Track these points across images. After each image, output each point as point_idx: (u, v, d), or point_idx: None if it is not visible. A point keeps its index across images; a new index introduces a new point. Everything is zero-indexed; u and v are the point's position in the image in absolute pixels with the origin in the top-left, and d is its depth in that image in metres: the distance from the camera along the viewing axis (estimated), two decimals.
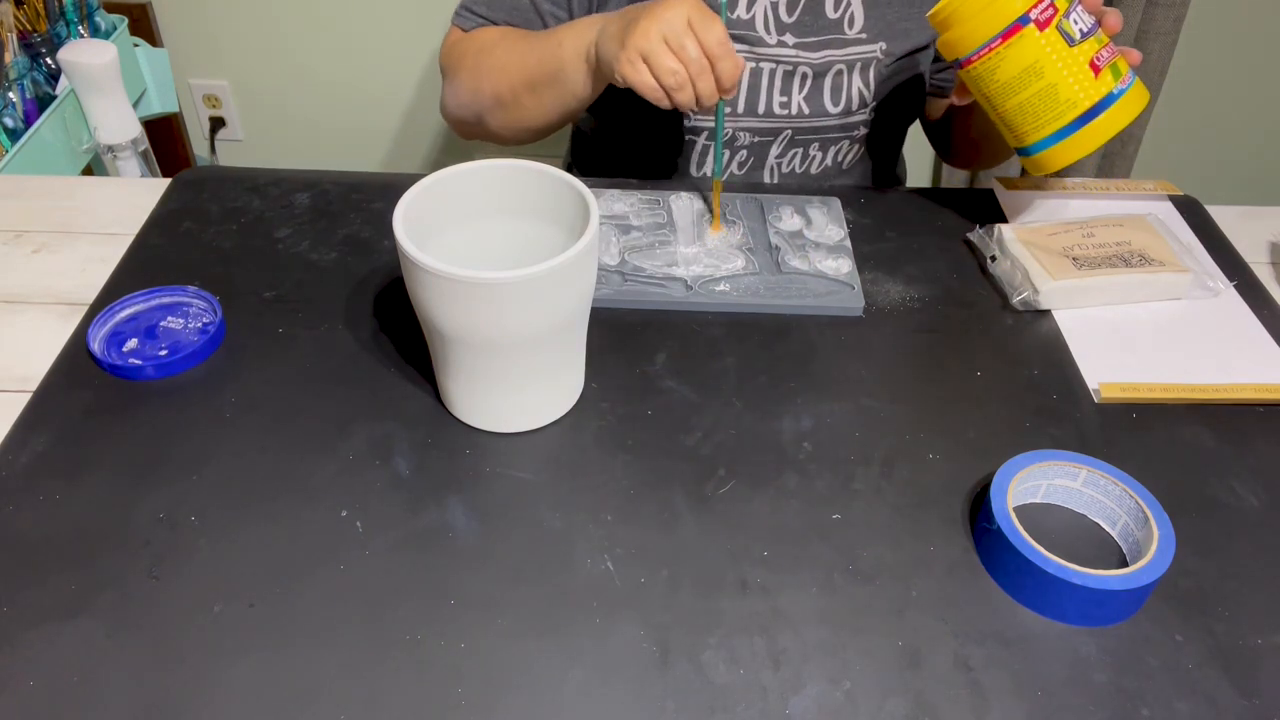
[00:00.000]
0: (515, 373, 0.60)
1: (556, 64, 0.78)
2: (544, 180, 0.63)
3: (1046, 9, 0.69)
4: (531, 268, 0.54)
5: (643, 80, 0.69)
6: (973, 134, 0.92)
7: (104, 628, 0.52)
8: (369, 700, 0.49)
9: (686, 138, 0.90)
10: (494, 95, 0.84)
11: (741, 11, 0.84)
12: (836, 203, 0.83)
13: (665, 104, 0.70)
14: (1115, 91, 0.71)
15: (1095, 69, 0.70)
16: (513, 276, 0.53)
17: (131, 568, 0.55)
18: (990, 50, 0.71)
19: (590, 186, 0.84)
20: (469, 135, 0.91)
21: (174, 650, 0.51)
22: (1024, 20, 0.69)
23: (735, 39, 0.85)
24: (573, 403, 0.65)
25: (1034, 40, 0.70)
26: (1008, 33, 0.70)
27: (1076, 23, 0.70)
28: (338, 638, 0.52)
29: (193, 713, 0.48)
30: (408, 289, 0.59)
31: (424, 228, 0.60)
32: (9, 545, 0.56)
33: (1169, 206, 0.87)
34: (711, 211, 0.81)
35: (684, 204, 0.82)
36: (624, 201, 0.82)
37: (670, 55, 0.68)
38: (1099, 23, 0.71)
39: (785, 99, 0.87)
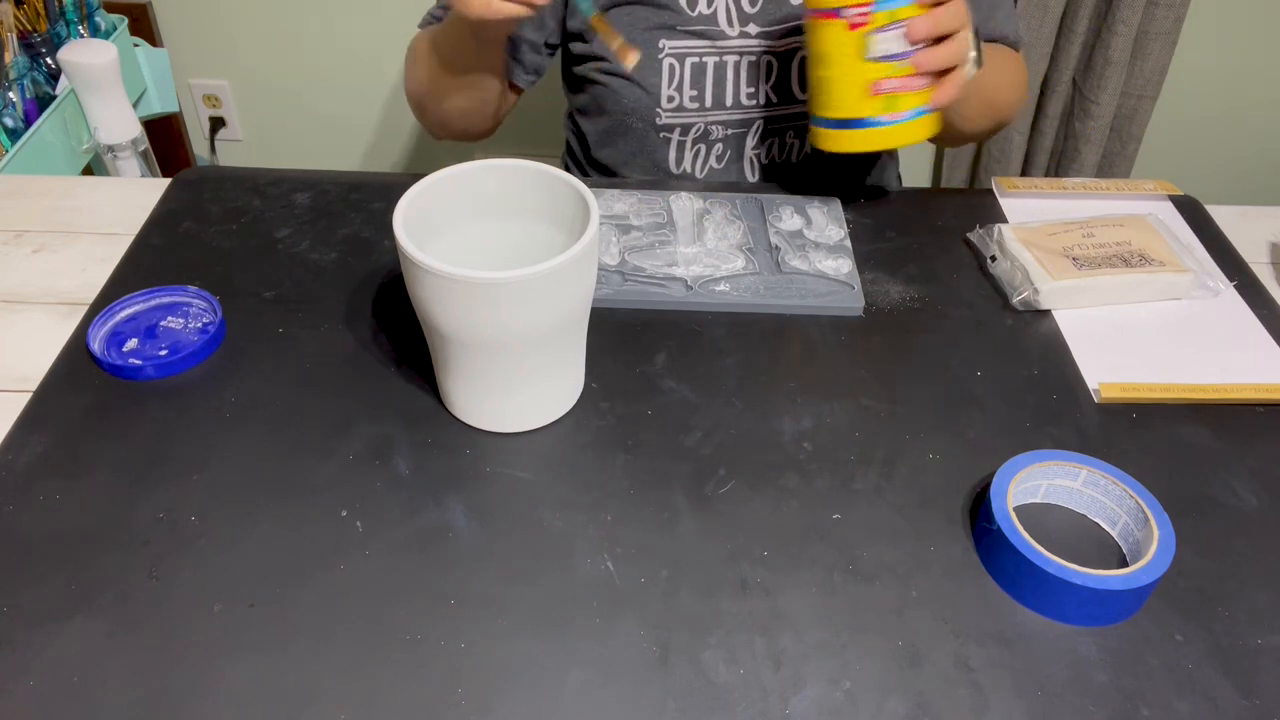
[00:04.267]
0: (516, 373, 0.60)
1: (448, 30, 0.82)
2: (543, 180, 0.63)
3: (861, 15, 0.69)
4: (532, 268, 0.54)
5: (471, 6, 0.70)
6: None
7: (104, 628, 0.52)
8: (369, 700, 0.49)
9: (661, 135, 0.91)
10: (417, 83, 0.89)
11: (703, 7, 0.85)
12: (837, 203, 0.83)
13: (505, 12, 0.69)
14: (875, 120, 0.73)
15: (873, 91, 0.71)
16: (513, 276, 0.53)
17: (131, 568, 0.55)
18: (810, 18, 0.73)
19: (590, 187, 0.84)
20: (433, 131, 0.95)
21: (174, 650, 0.51)
22: (837, 12, 0.70)
23: (697, 34, 0.86)
24: (573, 403, 0.65)
25: (837, 34, 0.71)
26: (824, 13, 0.71)
27: (883, 43, 0.70)
28: (338, 638, 0.52)
29: (193, 713, 0.49)
30: (408, 289, 0.59)
31: (424, 228, 0.60)
32: (9, 545, 0.56)
33: (1169, 206, 0.87)
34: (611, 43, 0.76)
35: (684, 204, 0.82)
36: (624, 201, 0.82)
37: None
38: (913, 53, 0.70)
39: (753, 89, 0.88)
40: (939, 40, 0.71)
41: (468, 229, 0.65)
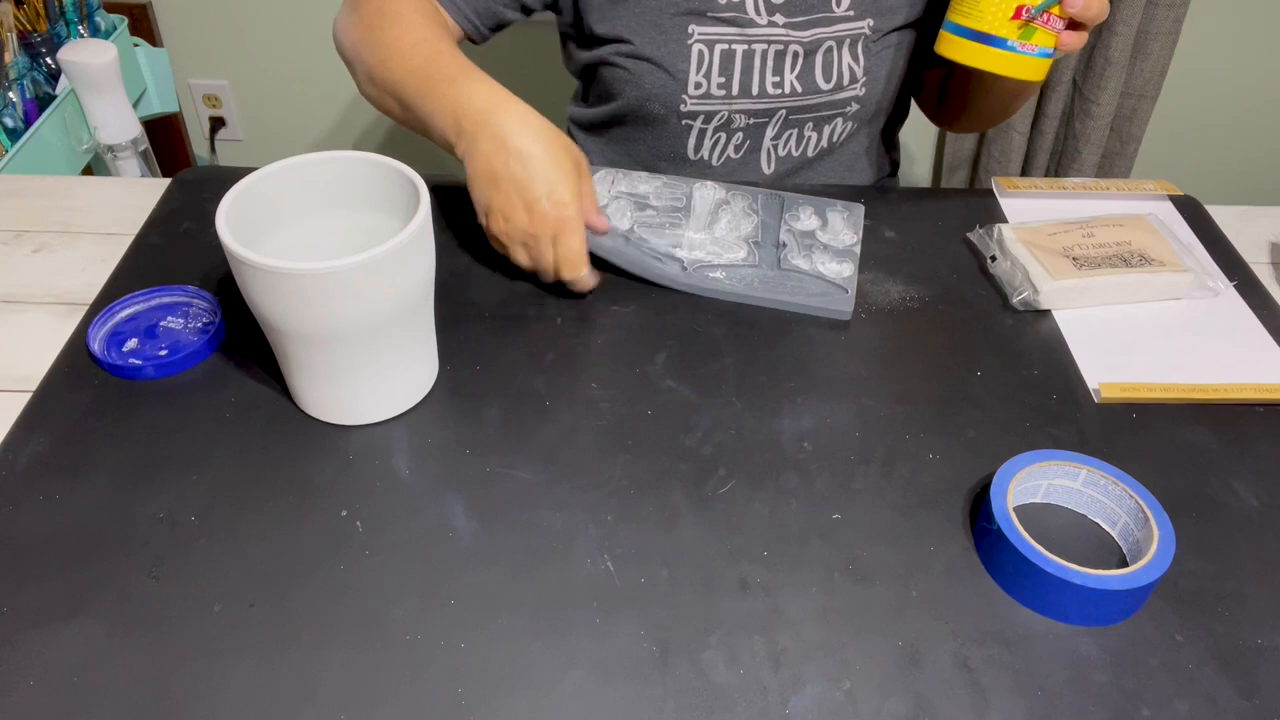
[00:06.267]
0: (356, 365, 0.60)
1: (426, 114, 0.74)
2: (378, 171, 0.63)
3: None
4: (350, 258, 0.54)
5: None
6: (970, 86, 0.94)
7: (104, 628, 0.52)
8: (369, 700, 0.49)
9: (684, 122, 0.91)
10: (367, 73, 0.81)
11: None
12: (860, 208, 0.83)
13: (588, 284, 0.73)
14: (1007, 42, 0.75)
15: (1018, 13, 0.74)
16: (327, 268, 0.53)
17: (131, 568, 0.55)
18: None
19: (620, 168, 0.84)
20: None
21: (174, 650, 0.51)
22: None
23: (726, 22, 0.86)
24: (425, 393, 0.65)
25: None
26: None
27: None
28: (338, 638, 0.52)
29: (193, 713, 0.49)
30: (240, 290, 0.58)
31: (266, 221, 0.61)
32: (9, 545, 0.56)
33: (1169, 206, 0.87)
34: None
35: (706, 193, 0.82)
36: (649, 184, 0.83)
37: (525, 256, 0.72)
38: None
39: (778, 79, 0.88)
40: None
41: (307, 223, 0.64)
